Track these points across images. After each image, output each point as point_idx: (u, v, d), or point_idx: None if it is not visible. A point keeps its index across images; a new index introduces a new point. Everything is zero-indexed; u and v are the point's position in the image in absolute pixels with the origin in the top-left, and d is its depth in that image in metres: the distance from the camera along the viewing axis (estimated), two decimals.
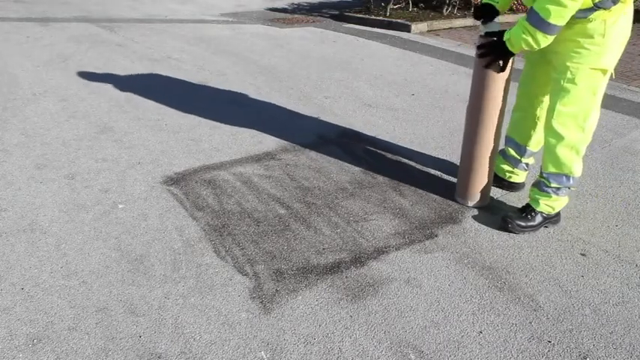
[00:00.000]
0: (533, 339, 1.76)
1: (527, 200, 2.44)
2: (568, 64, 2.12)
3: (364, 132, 3.44)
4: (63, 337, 1.70)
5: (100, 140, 3.20)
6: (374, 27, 7.05)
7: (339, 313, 1.85)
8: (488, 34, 2.27)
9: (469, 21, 7.43)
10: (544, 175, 2.31)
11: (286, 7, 8.73)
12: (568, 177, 2.27)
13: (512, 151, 2.60)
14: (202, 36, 6.15)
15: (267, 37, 6.23)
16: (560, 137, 2.19)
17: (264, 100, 4.03)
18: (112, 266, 2.06)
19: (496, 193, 2.67)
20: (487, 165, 2.46)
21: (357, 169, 2.91)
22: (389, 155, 3.11)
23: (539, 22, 1.97)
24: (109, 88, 4.15)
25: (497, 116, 2.35)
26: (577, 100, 2.13)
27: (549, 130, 2.22)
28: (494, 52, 2.20)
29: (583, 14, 2.00)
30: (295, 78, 4.60)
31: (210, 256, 2.13)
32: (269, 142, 3.22)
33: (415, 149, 3.20)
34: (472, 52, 5.46)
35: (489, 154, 2.44)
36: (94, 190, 2.63)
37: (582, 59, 2.09)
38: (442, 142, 3.32)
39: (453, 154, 3.12)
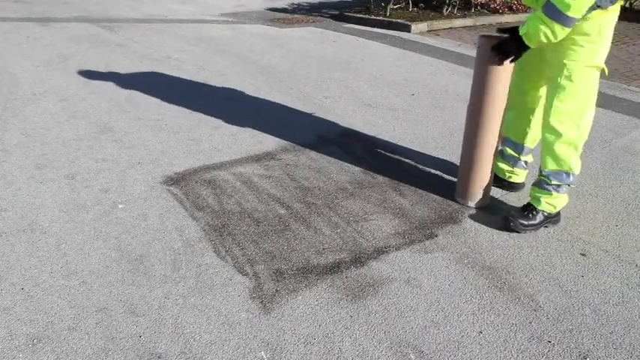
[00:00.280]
0: (533, 339, 1.76)
1: (527, 200, 2.44)
2: (565, 61, 2.13)
3: (364, 132, 3.44)
4: (63, 337, 1.70)
5: (100, 140, 3.20)
6: (374, 27, 7.05)
7: (339, 313, 1.85)
8: (499, 31, 2.25)
9: (469, 21, 7.43)
10: (544, 173, 2.31)
11: (286, 7, 8.73)
12: (568, 174, 2.28)
13: (510, 150, 2.61)
14: (202, 36, 6.15)
15: (267, 37, 6.23)
16: (558, 134, 2.20)
17: (264, 100, 4.03)
18: (112, 266, 2.06)
19: (496, 193, 2.67)
20: (487, 165, 2.46)
21: (357, 169, 2.91)
22: (389, 155, 3.11)
23: (557, 15, 1.97)
24: (109, 88, 4.15)
25: (497, 116, 2.35)
26: (573, 98, 2.15)
27: (547, 127, 2.23)
28: (507, 47, 2.18)
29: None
30: (295, 78, 4.60)
31: (210, 256, 2.13)
32: (269, 142, 3.22)
33: (415, 149, 3.20)
34: (472, 52, 5.45)
35: (489, 154, 2.44)
36: (94, 190, 2.63)
37: (578, 57, 2.11)
38: (442, 142, 3.32)
39: (453, 154, 3.12)
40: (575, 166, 2.27)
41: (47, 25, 6.41)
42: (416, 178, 2.83)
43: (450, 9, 7.65)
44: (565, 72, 2.14)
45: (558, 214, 2.42)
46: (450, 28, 7.16)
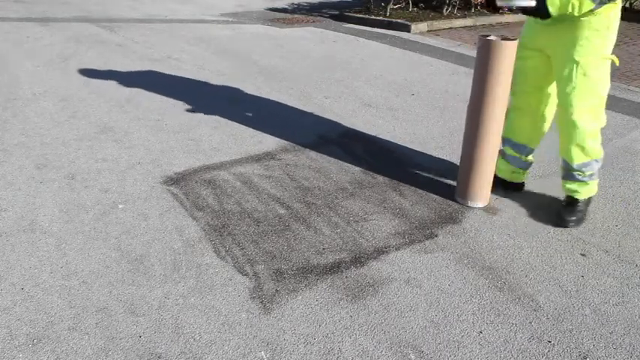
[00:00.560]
0: (533, 339, 1.76)
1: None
2: (577, 58, 2.17)
3: (364, 132, 3.44)
4: (63, 337, 1.70)
5: (100, 140, 3.20)
6: (374, 27, 7.05)
7: (339, 313, 1.85)
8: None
9: (469, 21, 7.43)
10: (575, 166, 2.37)
11: (286, 7, 8.73)
12: (597, 160, 2.37)
13: (511, 151, 2.61)
14: (202, 36, 6.15)
15: (267, 37, 6.23)
16: (583, 129, 2.26)
17: (264, 100, 4.03)
18: (112, 266, 2.06)
19: (496, 193, 2.67)
20: (487, 165, 2.46)
21: (357, 169, 2.91)
22: (389, 155, 3.11)
23: None
24: (109, 88, 4.15)
25: (497, 116, 2.35)
26: (591, 92, 2.21)
27: (571, 124, 2.27)
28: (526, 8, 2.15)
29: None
30: (295, 78, 4.60)
31: (210, 256, 2.13)
32: (269, 142, 3.22)
33: (415, 149, 3.20)
34: (472, 52, 5.46)
35: (490, 154, 2.44)
36: (94, 190, 2.63)
37: (589, 52, 2.15)
38: (442, 142, 3.32)
39: (453, 154, 3.12)
40: (600, 151, 2.35)
41: (47, 25, 6.41)
42: (416, 178, 2.83)
43: (450, 9, 7.65)
44: (579, 69, 2.18)
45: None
46: (450, 28, 7.16)
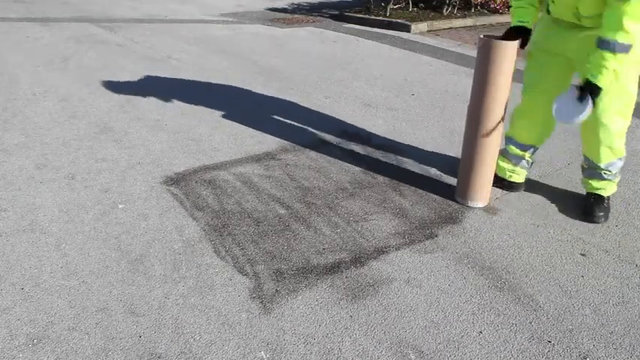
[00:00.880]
0: (533, 339, 1.76)
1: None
2: None
3: (364, 132, 3.44)
4: (63, 337, 1.70)
5: (100, 140, 3.20)
6: (374, 27, 7.05)
7: (339, 313, 1.85)
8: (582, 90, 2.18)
9: (469, 21, 7.43)
10: (602, 166, 2.40)
11: (286, 7, 8.74)
12: (621, 159, 2.41)
13: (516, 150, 2.63)
14: (202, 36, 6.15)
15: (267, 37, 6.23)
16: (613, 131, 2.30)
17: (264, 100, 4.03)
18: (112, 266, 2.06)
19: (496, 193, 2.67)
20: (487, 165, 2.46)
21: (357, 169, 2.91)
22: (389, 155, 3.11)
23: (620, 47, 2.01)
24: (109, 88, 4.15)
25: (497, 116, 2.35)
26: (622, 93, 2.23)
27: (601, 127, 2.29)
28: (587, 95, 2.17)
29: None
30: (295, 78, 4.60)
31: (210, 256, 2.13)
32: (269, 142, 3.22)
33: (415, 149, 3.20)
34: (472, 52, 5.47)
35: (489, 155, 2.44)
36: (94, 190, 2.63)
37: None
38: (442, 142, 3.32)
39: (453, 154, 3.12)
40: (624, 149, 2.40)
41: (47, 25, 6.41)
42: (416, 178, 2.83)
43: (450, 9, 7.65)
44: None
45: None
46: (450, 28, 7.16)
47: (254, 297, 1.91)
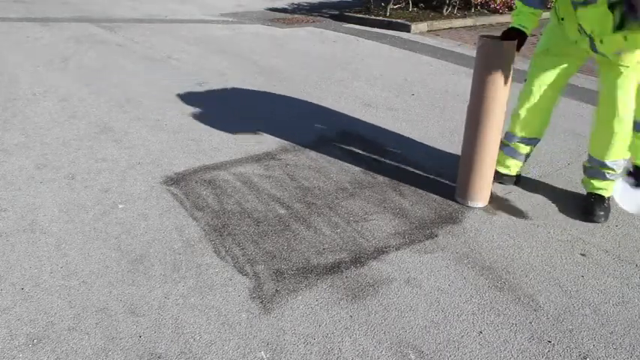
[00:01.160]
0: (533, 339, 1.76)
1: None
2: (626, 63, 2.20)
3: (364, 132, 3.44)
4: (63, 337, 1.70)
5: (100, 140, 3.20)
6: (374, 27, 7.05)
7: (339, 313, 1.85)
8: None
9: (469, 21, 7.43)
10: (608, 164, 2.42)
11: (286, 7, 8.74)
12: (625, 159, 2.43)
13: (523, 146, 2.65)
14: (202, 36, 6.15)
15: (267, 37, 6.23)
16: (628, 128, 2.31)
17: (264, 100, 4.03)
18: (112, 266, 2.06)
19: (496, 193, 2.67)
20: (487, 165, 2.46)
21: (357, 169, 2.91)
22: (389, 155, 3.11)
23: None
24: (109, 88, 4.15)
25: (497, 116, 2.35)
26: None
27: (619, 122, 2.30)
28: None
29: None
30: (295, 78, 4.60)
31: (210, 256, 2.13)
32: (269, 142, 3.22)
33: (415, 149, 3.20)
34: (472, 52, 5.46)
35: (490, 154, 2.44)
36: (94, 190, 2.63)
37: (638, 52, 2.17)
38: (442, 142, 3.32)
39: (452, 154, 3.12)
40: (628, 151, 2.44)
41: (47, 25, 6.41)
42: (416, 178, 2.83)
43: (450, 9, 7.65)
44: (630, 72, 2.21)
45: None
46: (450, 28, 7.16)
47: (254, 297, 1.91)
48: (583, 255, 2.22)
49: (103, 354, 1.64)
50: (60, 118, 3.51)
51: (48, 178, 2.73)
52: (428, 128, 3.55)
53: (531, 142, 2.65)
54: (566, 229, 2.41)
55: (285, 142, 3.23)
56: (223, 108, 3.79)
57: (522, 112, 2.56)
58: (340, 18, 7.61)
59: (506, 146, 2.67)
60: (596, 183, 2.51)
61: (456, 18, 7.38)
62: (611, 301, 1.95)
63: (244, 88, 4.27)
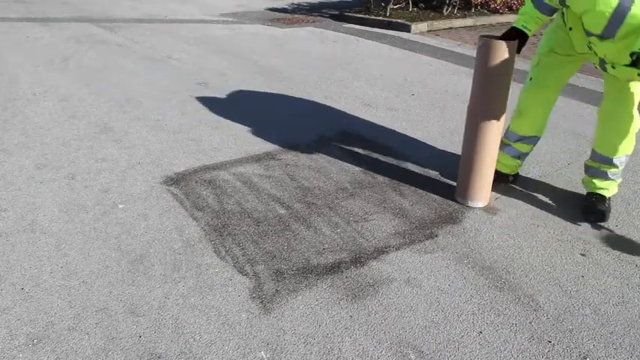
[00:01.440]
0: (533, 339, 1.76)
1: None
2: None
3: (364, 132, 3.44)
4: (63, 337, 1.70)
5: (100, 140, 3.20)
6: (374, 27, 7.05)
7: (339, 313, 1.85)
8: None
9: (469, 21, 7.43)
10: (614, 160, 2.42)
11: (286, 7, 8.74)
12: (628, 155, 2.44)
13: (523, 145, 2.66)
14: (202, 36, 6.15)
15: (267, 37, 6.23)
16: (636, 124, 2.33)
17: (264, 100, 4.03)
18: (112, 266, 2.06)
19: (496, 193, 2.67)
20: (487, 165, 2.46)
21: (357, 169, 2.91)
22: (389, 155, 3.11)
23: None
24: (109, 88, 4.15)
25: (497, 116, 2.35)
26: None
27: (629, 117, 2.31)
28: None
29: None
30: (295, 78, 4.60)
31: (210, 256, 2.13)
32: (269, 142, 3.22)
33: (415, 149, 3.20)
34: (472, 52, 5.47)
35: (490, 155, 2.44)
36: (94, 190, 2.63)
37: None
38: (442, 142, 3.32)
39: (453, 154, 3.12)
40: (633, 147, 2.44)
41: (47, 25, 6.41)
42: (416, 178, 2.83)
43: (450, 9, 7.65)
44: None
45: None
46: (450, 28, 7.16)
47: (254, 297, 1.91)
48: (583, 255, 2.22)
49: (103, 354, 1.64)
50: (60, 118, 3.51)
51: (48, 178, 2.73)
52: (428, 128, 3.55)
53: (532, 140, 2.65)
54: (566, 229, 2.40)
55: (285, 142, 3.23)
56: (223, 108, 3.79)
57: (524, 111, 2.56)
58: (340, 18, 7.61)
59: (507, 145, 2.67)
60: (598, 182, 2.51)
61: (456, 18, 7.38)
62: (611, 301, 1.95)
63: (244, 88, 4.27)
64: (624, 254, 2.23)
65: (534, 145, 2.69)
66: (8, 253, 2.11)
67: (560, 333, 1.79)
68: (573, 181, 2.82)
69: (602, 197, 2.51)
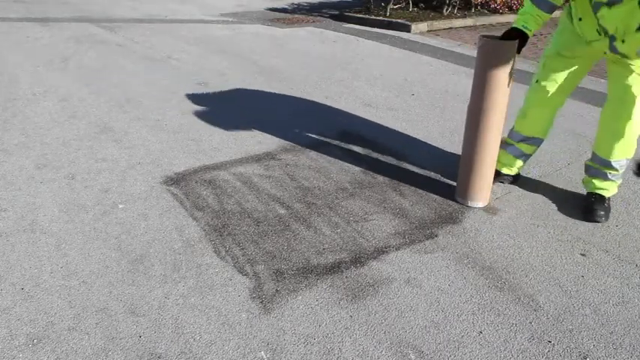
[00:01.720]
0: (533, 339, 1.76)
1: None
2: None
3: (364, 132, 3.44)
4: (63, 337, 1.70)
5: (100, 140, 3.20)
6: (374, 27, 7.05)
7: (339, 313, 1.85)
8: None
9: (469, 21, 7.43)
10: (612, 163, 2.42)
11: (286, 7, 8.74)
12: (628, 159, 2.44)
13: (526, 146, 2.66)
14: (202, 36, 6.15)
15: (267, 37, 6.23)
16: (637, 128, 2.33)
17: (264, 99, 4.03)
18: (112, 266, 2.06)
19: (496, 193, 2.67)
20: (487, 165, 2.46)
21: (357, 169, 2.91)
22: (389, 155, 3.11)
23: None
24: (109, 88, 4.15)
25: (497, 116, 2.35)
26: None
27: (627, 122, 2.31)
28: None
29: None
30: (295, 78, 4.60)
31: (210, 256, 2.13)
32: (269, 142, 3.22)
33: (415, 149, 3.20)
34: (472, 52, 5.47)
35: (490, 154, 2.44)
36: (94, 190, 2.63)
37: None
38: (442, 142, 3.32)
39: (453, 154, 3.12)
40: (634, 151, 2.44)
41: (47, 25, 6.41)
42: (416, 178, 2.83)
43: (450, 9, 7.65)
44: None
45: None
46: (450, 28, 7.16)
47: (254, 297, 1.91)
48: (583, 255, 2.22)
49: (103, 354, 1.64)
50: (60, 118, 3.51)
51: (48, 178, 2.73)
52: (428, 128, 3.55)
53: (535, 142, 2.65)
54: (566, 229, 2.40)
55: (285, 142, 3.23)
56: (223, 108, 3.79)
57: (530, 112, 2.56)
58: (340, 18, 7.61)
59: (510, 145, 2.67)
60: (598, 183, 2.51)
61: (456, 18, 7.38)
62: (611, 301, 1.95)
63: (244, 88, 4.27)
64: (624, 254, 2.23)
65: (537, 146, 2.68)
66: (8, 253, 2.11)
67: (560, 333, 1.79)
68: (573, 181, 2.82)
69: (602, 197, 2.50)
